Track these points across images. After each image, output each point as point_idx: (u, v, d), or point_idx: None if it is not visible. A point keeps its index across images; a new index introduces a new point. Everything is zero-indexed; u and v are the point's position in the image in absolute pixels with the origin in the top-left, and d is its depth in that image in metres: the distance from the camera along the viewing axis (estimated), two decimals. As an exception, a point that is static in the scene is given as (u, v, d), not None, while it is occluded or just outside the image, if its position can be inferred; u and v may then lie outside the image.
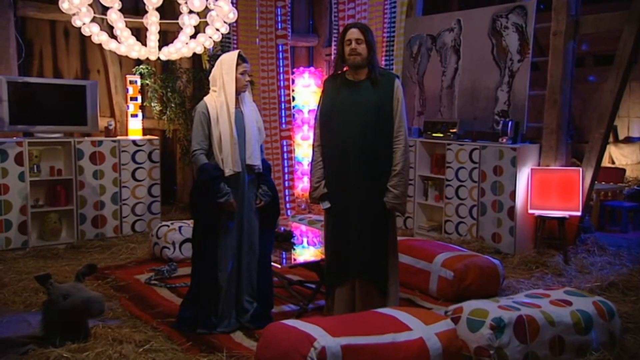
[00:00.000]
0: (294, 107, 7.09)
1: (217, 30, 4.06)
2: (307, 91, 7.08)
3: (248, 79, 3.29)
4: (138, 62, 6.02)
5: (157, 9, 3.58)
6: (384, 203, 3.21)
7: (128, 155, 5.59)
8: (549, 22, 5.13)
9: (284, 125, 7.00)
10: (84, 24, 3.58)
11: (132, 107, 5.79)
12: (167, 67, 5.95)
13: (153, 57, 4.24)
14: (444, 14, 5.96)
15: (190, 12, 3.78)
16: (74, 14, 3.48)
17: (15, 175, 4.98)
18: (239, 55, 3.28)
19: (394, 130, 3.22)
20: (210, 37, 4.14)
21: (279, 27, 6.90)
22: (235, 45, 6.60)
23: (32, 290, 3.92)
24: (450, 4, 6.15)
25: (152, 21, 3.59)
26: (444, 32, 5.91)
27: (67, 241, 5.28)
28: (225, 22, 3.96)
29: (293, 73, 7.11)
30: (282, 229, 4.10)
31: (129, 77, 5.80)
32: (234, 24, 6.55)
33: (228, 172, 3.22)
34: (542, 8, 5.27)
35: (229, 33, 6.49)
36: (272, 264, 3.51)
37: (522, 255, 4.86)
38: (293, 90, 7.07)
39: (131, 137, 5.74)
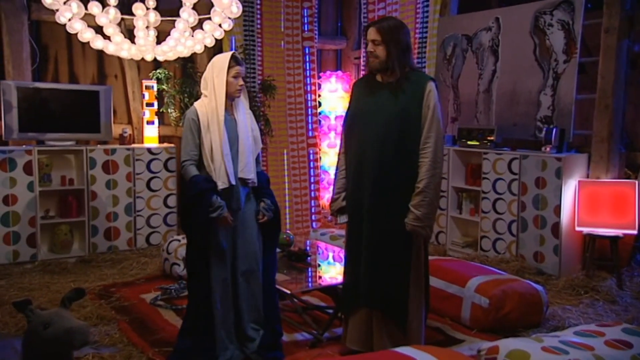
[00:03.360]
0: (320, 113, 6.73)
1: (220, 26, 3.70)
2: (333, 96, 6.70)
3: (241, 83, 2.95)
4: (156, 66, 5.78)
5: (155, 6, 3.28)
6: (404, 225, 2.79)
7: (143, 164, 5.32)
8: (599, 19, 4.62)
9: (310, 133, 6.65)
10: (69, 20, 3.26)
11: (148, 113, 5.53)
12: (185, 71, 5.67)
13: (149, 57, 3.93)
14: (480, 12, 5.50)
15: (183, 4, 3.43)
16: (56, 10, 3.18)
17: (24, 185, 4.76)
18: (232, 57, 2.94)
19: (420, 142, 2.81)
20: (212, 35, 3.77)
21: (306, 29, 6.57)
22: (259, 49, 6.29)
23: (28, 310, 3.64)
24: (490, 1, 5.66)
25: (139, 15, 3.26)
26: (481, 32, 5.44)
27: (78, 254, 5.03)
28: (229, 17, 3.59)
29: (320, 77, 6.75)
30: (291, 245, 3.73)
31: (145, 82, 5.54)
32: (258, 26, 6.26)
33: (221, 185, 2.87)
34: (589, 7, 4.75)
35: (252, 36, 6.22)
36: (282, 288, 3.14)
37: (569, 277, 4.35)
38: (319, 96, 6.72)
39: (146, 144, 5.48)
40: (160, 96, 5.59)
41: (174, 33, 3.48)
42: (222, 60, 2.91)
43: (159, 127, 5.68)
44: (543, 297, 3.60)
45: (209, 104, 2.92)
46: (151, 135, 5.54)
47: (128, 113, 5.87)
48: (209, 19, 3.65)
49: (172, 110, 5.50)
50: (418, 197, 2.76)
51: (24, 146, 4.84)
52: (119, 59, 5.72)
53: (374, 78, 2.94)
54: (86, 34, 3.44)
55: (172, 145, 5.58)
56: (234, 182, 2.89)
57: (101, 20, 3.27)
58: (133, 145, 5.36)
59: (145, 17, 3.33)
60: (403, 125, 2.79)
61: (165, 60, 5.81)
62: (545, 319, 3.62)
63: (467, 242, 5.32)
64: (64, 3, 3.10)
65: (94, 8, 3.14)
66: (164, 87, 5.49)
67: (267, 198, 3.03)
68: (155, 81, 5.53)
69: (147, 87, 5.52)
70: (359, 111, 2.94)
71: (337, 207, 3.03)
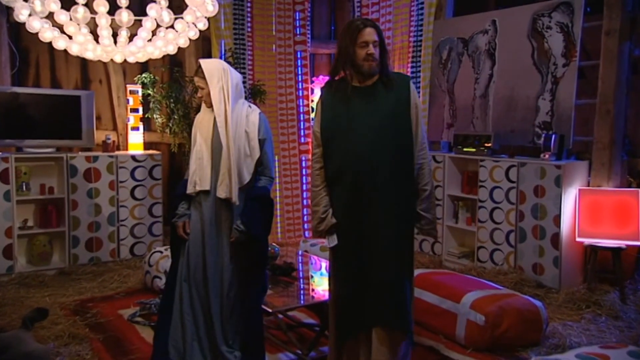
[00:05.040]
0: (312, 119, 6.54)
1: (194, 25, 3.49)
2: (327, 101, 6.50)
3: (199, 95, 2.82)
4: (143, 70, 5.59)
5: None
6: (406, 233, 2.65)
7: (127, 172, 5.12)
8: (599, 22, 4.44)
9: (303, 139, 6.46)
10: (29, 15, 3.03)
11: (132, 119, 5.34)
12: (172, 76, 5.48)
13: (118, 58, 3.73)
14: (476, 14, 5.31)
15: (153, 1, 3.23)
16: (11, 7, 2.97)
17: (0, 194, 4.55)
18: (197, 68, 2.80)
19: (416, 143, 2.63)
20: (187, 35, 3.56)
21: (298, 32, 6.39)
22: (250, 53, 6.11)
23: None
24: (487, 3, 5.48)
25: (101, 12, 3.05)
26: (477, 35, 5.26)
27: (58, 266, 4.82)
28: (205, 17, 3.39)
29: (312, 82, 6.56)
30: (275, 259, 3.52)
31: (130, 87, 5.35)
32: (249, 30, 6.08)
33: (188, 190, 2.79)
34: (588, 11, 4.57)
35: (243, 39, 6.04)
36: (264, 306, 2.93)
37: (569, 290, 4.15)
38: (312, 101, 6.53)
39: (130, 151, 5.28)
40: (146, 101, 5.40)
41: (142, 32, 3.26)
42: None
43: (144, 133, 5.49)
44: (542, 313, 3.39)
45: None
46: (136, 141, 5.35)
47: (113, 119, 5.68)
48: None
49: (158, 116, 5.30)
50: (428, 200, 2.68)
51: (0, 153, 4.64)
52: (104, 63, 5.52)
53: (345, 83, 2.68)
54: (46, 34, 3.22)
55: (158, 152, 5.38)
56: (199, 189, 2.77)
57: (60, 18, 3.05)
58: (116, 153, 5.16)
59: (118, 16, 3.12)
60: (396, 126, 2.61)
61: (153, 65, 5.68)
62: (544, 337, 3.42)
63: (464, 252, 5.12)
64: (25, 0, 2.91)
65: (52, 4, 2.92)
66: (149, 92, 5.29)
67: (244, 217, 2.75)
68: (141, 86, 5.34)
69: (131, 92, 5.33)
70: (342, 121, 2.65)
71: (329, 224, 2.66)
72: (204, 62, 2.79)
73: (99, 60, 5.02)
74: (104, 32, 3.14)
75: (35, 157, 4.79)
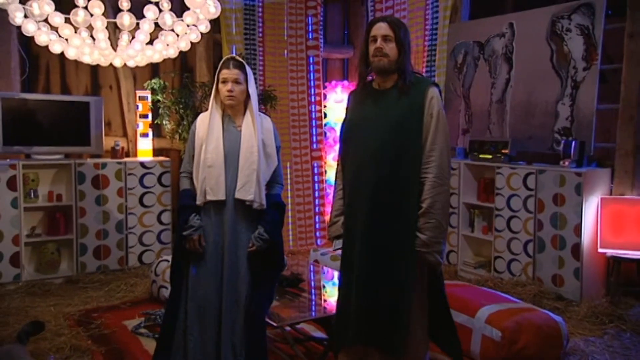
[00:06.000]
0: (325, 125, 6.43)
1: (195, 26, 3.38)
2: (339, 107, 6.40)
3: (229, 88, 2.62)
4: (153, 76, 5.54)
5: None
6: (405, 253, 2.44)
7: (135, 179, 5.04)
8: (621, 24, 4.27)
9: (315, 145, 6.35)
10: (23, 18, 2.93)
11: (141, 125, 5.27)
12: (182, 81, 5.41)
13: (118, 62, 3.64)
14: (493, 17, 5.16)
15: (149, 2, 3.12)
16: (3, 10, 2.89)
17: (7, 201, 4.50)
18: (225, 60, 2.65)
19: (423, 155, 2.47)
20: (188, 38, 3.45)
21: (310, 37, 6.30)
22: (261, 58, 6.03)
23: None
24: (504, 5, 5.32)
25: (97, 14, 2.94)
26: (494, 38, 5.11)
27: (65, 274, 4.76)
28: (207, 19, 3.28)
29: (325, 87, 6.46)
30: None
31: (139, 93, 5.29)
32: (260, 35, 6.00)
33: (198, 201, 2.62)
34: (609, 14, 4.40)
35: (254, 44, 5.96)
36: (269, 320, 2.81)
37: (591, 304, 3.97)
38: (325, 106, 6.42)
39: (139, 158, 5.21)
40: (155, 107, 5.33)
41: (139, 35, 3.16)
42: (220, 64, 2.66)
43: (154, 139, 5.43)
44: (562, 329, 3.23)
45: (207, 112, 2.68)
46: (145, 148, 5.28)
47: (123, 125, 5.62)
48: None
49: (167, 122, 5.23)
50: (422, 218, 2.42)
51: (8, 160, 4.59)
52: (114, 68, 5.48)
53: (370, 86, 2.62)
54: (42, 37, 3.14)
55: (167, 158, 5.31)
56: (211, 198, 2.60)
57: (55, 20, 2.96)
58: (125, 159, 5.09)
59: (120, 19, 3.03)
60: (401, 136, 2.46)
61: (163, 71, 5.62)
62: (565, 354, 3.26)
63: (480, 262, 4.96)
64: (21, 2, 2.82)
65: (45, 6, 2.82)
66: (158, 97, 5.22)
67: (266, 225, 2.66)
68: (150, 92, 5.27)
69: (140, 98, 5.27)
70: (353, 123, 2.63)
71: (336, 232, 2.65)
72: (239, 59, 2.69)
73: (110, 66, 4.96)
74: (100, 34, 3.04)
75: (43, 164, 4.74)
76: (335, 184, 2.74)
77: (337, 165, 2.73)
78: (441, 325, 2.63)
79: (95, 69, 5.46)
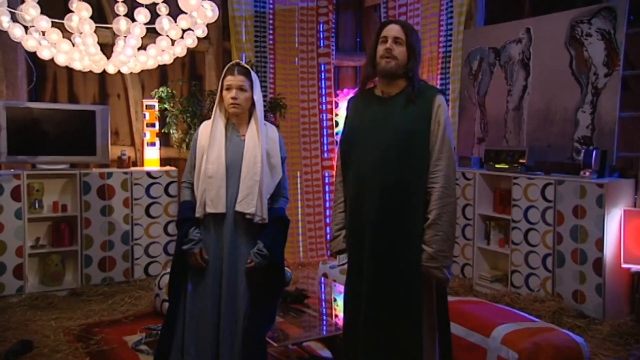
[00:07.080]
0: (336, 134, 6.29)
1: (191, 30, 3.27)
2: (351, 115, 6.26)
3: (233, 95, 2.50)
4: (161, 84, 5.46)
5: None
6: (412, 267, 2.30)
7: (141, 189, 4.95)
8: (645, 27, 4.09)
9: (326, 154, 6.22)
10: (14, 22, 2.81)
11: (148, 134, 5.19)
12: (190, 90, 5.33)
13: (110, 69, 3.54)
14: (509, 22, 4.99)
15: (140, 5, 3.00)
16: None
17: (11, 212, 4.42)
18: (229, 66, 2.53)
19: (430, 164, 2.34)
20: (184, 43, 3.33)
21: (322, 44, 6.19)
22: (271, 66, 5.93)
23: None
24: (522, 10, 5.14)
25: (83, 17, 2.82)
26: (510, 44, 4.94)
27: (70, 286, 4.66)
28: (204, 22, 3.16)
29: (337, 95, 6.33)
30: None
31: (146, 101, 5.21)
32: (270, 42, 5.90)
33: (197, 213, 2.50)
34: (631, 19, 4.21)
35: (264, 52, 5.86)
36: (269, 340, 2.67)
37: (615, 322, 3.77)
38: (336, 115, 6.29)
39: (146, 168, 5.12)
40: (163, 116, 5.24)
41: (130, 40, 3.04)
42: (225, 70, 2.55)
43: (161, 149, 5.33)
44: (584, 351, 3.02)
45: (210, 120, 2.57)
46: (152, 157, 5.19)
47: (131, 134, 5.54)
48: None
49: (175, 131, 5.14)
50: (429, 230, 2.29)
51: (12, 170, 4.52)
52: (122, 77, 5.42)
53: (372, 92, 2.48)
54: (30, 42, 3.03)
55: (174, 168, 5.21)
56: (210, 211, 2.47)
57: (41, 24, 2.85)
58: (131, 169, 5.00)
59: (116, 24, 2.91)
60: (408, 144, 2.33)
61: (171, 79, 5.54)
62: (587, 377, 3.05)
63: (496, 276, 4.76)
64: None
65: (31, 9, 2.71)
66: (165, 106, 5.14)
67: (266, 240, 2.53)
68: (157, 100, 5.19)
69: (147, 107, 5.18)
70: (356, 131, 2.48)
71: (338, 248, 2.54)
72: (245, 65, 2.58)
73: (118, 74, 4.88)
74: (89, 39, 2.93)
75: (49, 174, 4.66)
76: (335, 197, 2.61)
77: (337, 176, 2.60)
78: (440, 343, 2.50)
79: (103, 78, 5.40)
